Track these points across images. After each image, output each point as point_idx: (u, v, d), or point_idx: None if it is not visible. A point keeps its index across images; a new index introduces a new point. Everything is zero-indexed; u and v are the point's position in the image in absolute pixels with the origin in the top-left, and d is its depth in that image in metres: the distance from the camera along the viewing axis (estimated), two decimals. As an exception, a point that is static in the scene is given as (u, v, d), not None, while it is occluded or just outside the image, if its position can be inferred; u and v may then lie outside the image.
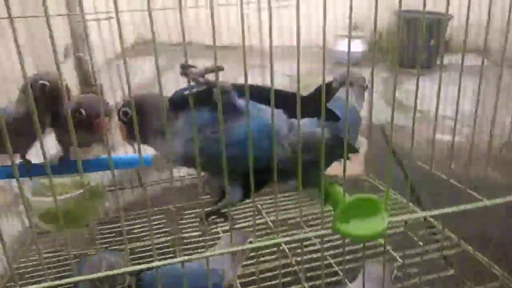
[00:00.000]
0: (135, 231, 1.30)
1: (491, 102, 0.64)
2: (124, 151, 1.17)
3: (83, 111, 0.77)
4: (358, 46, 3.04)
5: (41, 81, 0.80)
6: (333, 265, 1.05)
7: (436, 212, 0.66)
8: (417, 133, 0.62)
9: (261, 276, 0.94)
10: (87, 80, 3.08)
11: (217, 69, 0.50)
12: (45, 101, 0.80)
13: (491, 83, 0.67)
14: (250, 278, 1.01)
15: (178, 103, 0.63)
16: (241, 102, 0.62)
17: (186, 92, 0.60)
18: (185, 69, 0.57)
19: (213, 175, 0.66)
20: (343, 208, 0.60)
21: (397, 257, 1.07)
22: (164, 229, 1.28)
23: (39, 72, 0.84)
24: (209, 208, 0.67)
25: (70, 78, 2.88)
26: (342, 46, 3.06)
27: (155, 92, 0.60)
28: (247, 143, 0.53)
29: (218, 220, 0.69)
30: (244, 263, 0.95)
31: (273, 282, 0.93)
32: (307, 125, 0.64)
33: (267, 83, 0.50)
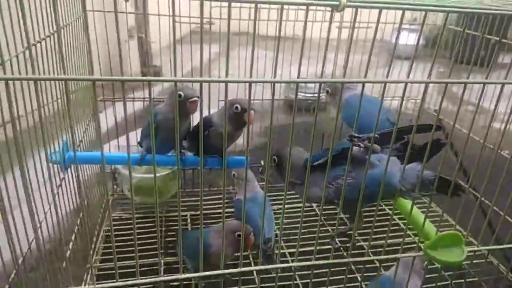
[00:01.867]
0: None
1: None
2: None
3: (238, 106, 0.98)
4: (415, 40, 3.03)
5: (179, 92, 0.98)
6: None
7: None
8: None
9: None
10: (147, 59, 3.26)
11: (373, 140, 0.63)
12: (180, 109, 0.99)
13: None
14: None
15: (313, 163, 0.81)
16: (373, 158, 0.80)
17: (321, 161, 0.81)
18: (351, 138, 0.74)
19: (343, 209, 0.81)
20: (434, 240, 0.73)
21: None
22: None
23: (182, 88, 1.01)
24: (339, 231, 0.83)
25: (133, 57, 3.07)
26: (401, 39, 3.08)
27: (296, 149, 0.78)
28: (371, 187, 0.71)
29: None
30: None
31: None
32: (415, 169, 0.77)
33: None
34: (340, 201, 0.78)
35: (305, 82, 0.58)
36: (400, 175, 0.75)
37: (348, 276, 0.86)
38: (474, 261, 0.87)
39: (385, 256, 0.75)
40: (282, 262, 0.87)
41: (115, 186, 1.53)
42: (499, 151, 0.75)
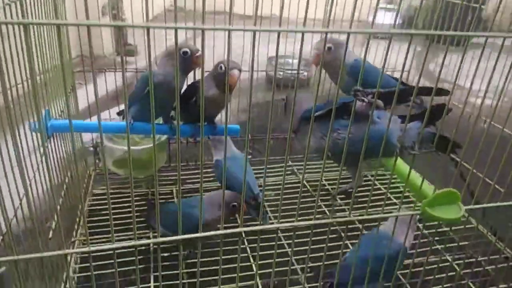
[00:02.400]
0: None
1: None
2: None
3: (222, 66, 0.97)
4: (392, 20, 3.09)
5: (183, 49, 0.94)
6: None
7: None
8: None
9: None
10: (121, 38, 3.16)
11: (377, 95, 0.62)
12: (184, 66, 0.96)
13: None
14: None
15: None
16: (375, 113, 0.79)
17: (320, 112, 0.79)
18: (356, 92, 0.70)
19: (338, 163, 0.80)
20: (432, 198, 0.73)
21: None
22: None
23: (180, 43, 0.97)
24: (340, 189, 0.82)
25: (106, 36, 2.97)
26: (377, 18, 3.13)
27: (307, 96, 0.77)
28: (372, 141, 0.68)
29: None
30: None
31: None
32: (415, 127, 0.77)
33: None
34: (333, 154, 0.78)
35: (312, 32, 0.56)
36: (398, 134, 0.75)
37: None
38: (467, 226, 0.89)
39: (385, 215, 0.76)
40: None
41: (97, 161, 1.49)
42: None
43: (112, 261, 0.64)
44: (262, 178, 1.48)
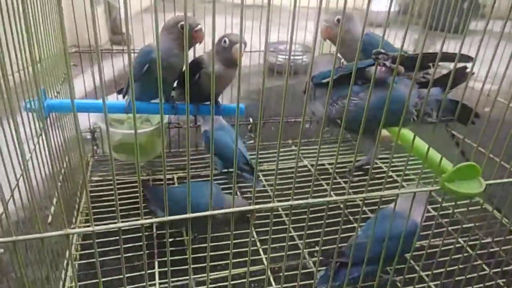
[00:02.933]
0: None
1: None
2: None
3: (226, 39, 0.93)
4: (387, 7, 3.05)
5: (182, 23, 0.91)
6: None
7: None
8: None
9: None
10: (115, 27, 3.11)
11: (399, 59, 0.58)
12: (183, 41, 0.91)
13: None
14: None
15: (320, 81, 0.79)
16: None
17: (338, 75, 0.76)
18: (376, 55, 0.66)
19: (349, 132, 0.76)
20: (452, 172, 0.70)
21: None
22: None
23: (178, 16, 0.95)
24: (356, 164, 0.78)
25: (101, 27, 2.90)
26: (374, 6, 3.08)
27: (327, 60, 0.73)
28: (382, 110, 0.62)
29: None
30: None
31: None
32: (434, 94, 0.73)
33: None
34: (342, 121, 0.73)
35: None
36: (416, 100, 0.71)
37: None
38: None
39: (403, 191, 0.72)
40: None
41: (95, 147, 1.44)
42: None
43: (113, 247, 0.60)
44: (265, 163, 1.46)
